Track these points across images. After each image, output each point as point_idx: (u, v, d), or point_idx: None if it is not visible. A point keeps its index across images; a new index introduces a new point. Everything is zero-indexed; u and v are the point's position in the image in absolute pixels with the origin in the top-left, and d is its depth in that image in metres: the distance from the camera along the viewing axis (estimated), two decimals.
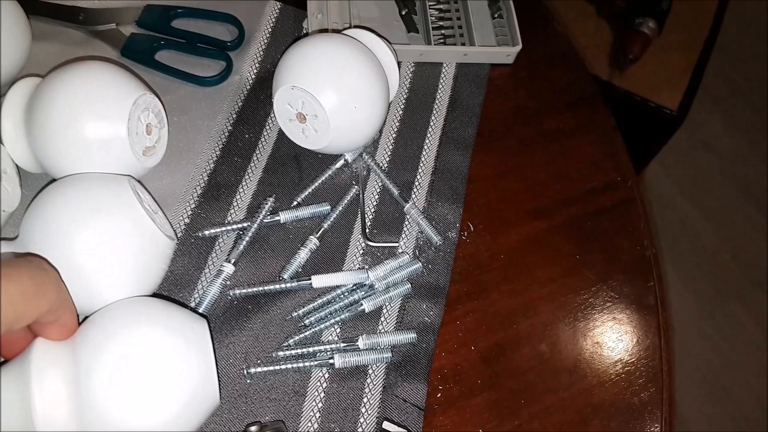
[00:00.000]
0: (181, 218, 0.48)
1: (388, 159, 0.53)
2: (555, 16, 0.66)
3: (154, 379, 0.34)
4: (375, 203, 0.51)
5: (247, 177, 0.51)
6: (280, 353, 0.44)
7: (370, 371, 0.44)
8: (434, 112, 0.56)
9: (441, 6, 0.61)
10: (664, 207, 1.55)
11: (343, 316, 0.45)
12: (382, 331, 0.46)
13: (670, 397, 0.48)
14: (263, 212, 0.48)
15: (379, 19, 0.60)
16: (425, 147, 0.55)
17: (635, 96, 1.17)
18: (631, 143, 0.59)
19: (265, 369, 0.43)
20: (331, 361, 0.43)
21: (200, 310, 0.44)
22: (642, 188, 0.57)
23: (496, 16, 0.60)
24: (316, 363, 0.43)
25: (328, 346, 0.44)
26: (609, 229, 0.54)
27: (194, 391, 0.36)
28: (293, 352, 0.44)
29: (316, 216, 0.50)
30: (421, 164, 0.54)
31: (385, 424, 0.42)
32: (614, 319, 0.50)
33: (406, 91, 0.57)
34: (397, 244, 0.49)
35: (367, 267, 0.48)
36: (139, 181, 0.46)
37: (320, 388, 0.43)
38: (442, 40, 0.59)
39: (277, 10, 0.59)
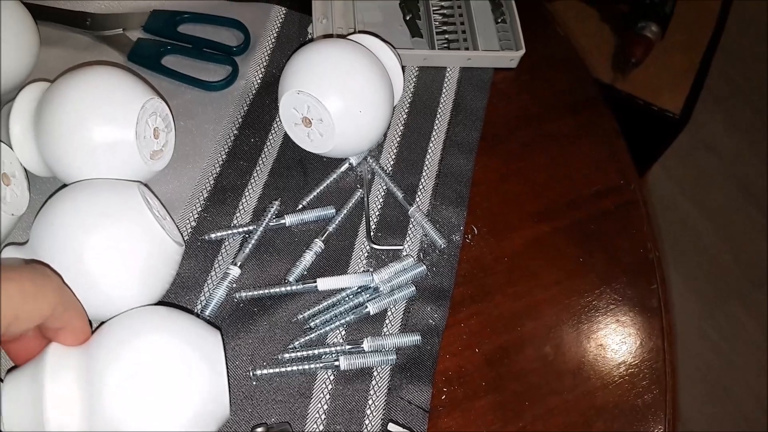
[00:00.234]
0: (187, 222, 0.48)
1: (392, 162, 0.54)
2: (557, 20, 0.66)
3: (166, 388, 0.34)
4: (379, 206, 0.52)
5: (252, 181, 0.51)
6: (286, 355, 0.44)
7: (375, 373, 0.44)
8: (438, 116, 0.57)
9: (445, 11, 0.61)
10: (665, 208, 1.55)
11: (348, 319, 0.46)
12: (387, 333, 0.46)
13: (674, 399, 0.48)
14: (269, 215, 0.48)
15: (383, 24, 0.60)
16: (429, 151, 0.55)
17: (638, 100, 1.17)
18: (634, 146, 0.60)
19: (271, 371, 0.43)
20: (336, 363, 0.44)
21: (206, 313, 0.45)
22: (644, 191, 0.57)
23: (499, 20, 0.61)
24: (321, 365, 0.44)
25: (333, 348, 0.44)
26: (612, 232, 0.54)
27: (205, 403, 0.35)
28: (299, 354, 0.44)
29: (321, 219, 0.50)
30: (425, 168, 0.54)
31: (390, 426, 0.43)
32: (618, 321, 0.50)
33: (410, 95, 0.58)
34: (401, 247, 0.50)
35: (371, 270, 0.48)
36: (147, 186, 0.46)
37: (325, 390, 0.44)
38: (445, 45, 0.59)
39: (282, 15, 0.59)
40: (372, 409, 0.43)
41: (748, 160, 1.64)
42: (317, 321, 0.45)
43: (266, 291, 0.46)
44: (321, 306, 0.46)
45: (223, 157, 0.52)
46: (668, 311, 0.52)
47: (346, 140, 0.48)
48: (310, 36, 0.59)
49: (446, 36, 0.60)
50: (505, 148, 0.57)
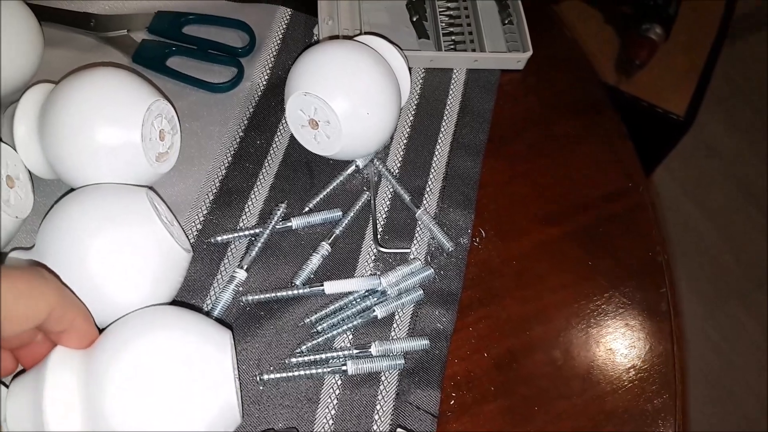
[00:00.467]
0: (193, 224, 0.48)
1: (399, 165, 0.53)
2: (565, 22, 0.66)
3: (168, 390, 0.33)
4: (386, 209, 0.51)
5: (258, 183, 0.51)
6: (293, 360, 0.44)
7: (383, 378, 0.44)
8: (445, 117, 0.56)
9: (451, 12, 0.61)
10: (667, 209, 1.55)
11: (355, 323, 0.45)
12: (395, 337, 0.46)
13: (684, 404, 0.48)
14: (275, 218, 0.48)
15: (390, 25, 0.60)
16: (436, 153, 0.54)
17: (642, 102, 1.17)
18: (638, 149, 0.59)
19: (278, 376, 0.43)
20: (344, 367, 0.43)
21: (213, 316, 0.44)
22: (651, 194, 0.57)
23: (506, 22, 0.60)
24: (329, 370, 0.43)
25: (340, 353, 0.44)
26: (620, 235, 0.54)
27: (212, 408, 0.34)
28: (306, 358, 0.44)
29: (327, 222, 0.49)
30: (432, 170, 0.54)
31: (399, 431, 0.42)
32: (627, 325, 0.50)
33: (417, 97, 0.57)
34: (408, 250, 0.49)
35: (379, 273, 0.48)
36: (155, 191, 0.46)
37: (333, 394, 0.43)
38: (452, 47, 0.59)
39: (288, 17, 0.59)
40: (380, 414, 0.43)
41: (748, 160, 1.64)
42: (324, 325, 0.45)
43: (273, 294, 0.46)
44: (328, 310, 0.46)
45: (229, 159, 0.51)
46: (677, 315, 0.51)
47: (353, 142, 0.48)
48: (315, 37, 0.59)
49: (453, 37, 0.59)
50: (512, 150, 0.57)
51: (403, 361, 0.44)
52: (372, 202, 0.51)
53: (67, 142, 0.42)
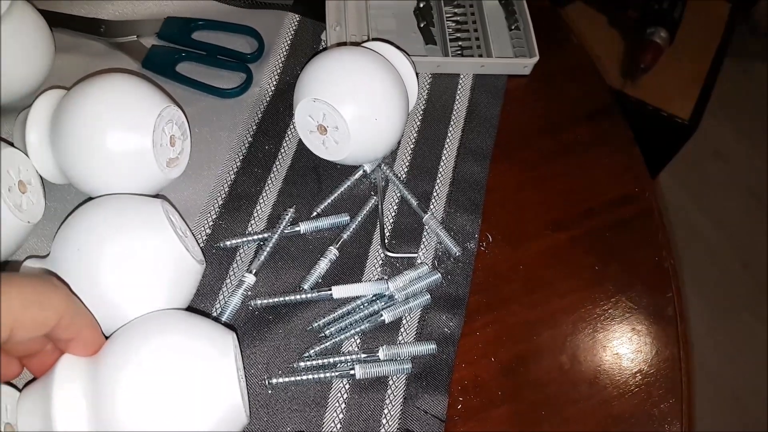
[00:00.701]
0: (202, 229, 0.48)
1: (406, 169, 0.54)
2: (571, 27, 0.66)
3: (174, 393, 0.34)
4: (394, 214, 0.51)
5: (267, 188, 0.51)
6: (301, 364, 0.44)
7: (391, 382, 0.44)
8: (452, 122, 0.57)
9: (458, 18, 0.61)
10: (673, 213, 1.55)
11: (363, 327, 0.45)
12: (402, 342, 0.46)
13: (690, 408, 0.48)
14: (284, 223, 0.48)
15: (397, 31, 0.60)
16: (443, 158, 0.55)
17: (647, 105, 1.17)
18: (644, 152, 0.59)
19: (287, 380, 0.43)
20: (351, 371, 0.44)
21: (222, 321, 0.45)
22: (657, 199, 0.57)
23: (513, 27, 0.61)
24: (337, 374, 0.44)
25: (348, 357, 0.44)
26: (627, 241, 0.54)
27: (219, 408, 0.35)
28: (314, 362, 0.44)
29: (335, 226, 0.50)
30: (440, 175, 0.54)
31: None
32: (633, 330, 0.50)
33: (424, 102, 0.57)
34: (416, 255, 0.50)
35: (386, 277, 0.48)
36: (168, 201, 0.46)
37: (341, 399, 0.43)
38: (459, 52, 0.59)
39: (296, 23, 0.59)
40: (388, 418, 0.43)
41: (754, 164, 1.64)
42: (332, 329, 0.45)
43: (281, 299, 0.46)
44: (336, 314, 0.46)
45: (238, 164, 0.52)
46: (683, 320, 0.52)
47: (361, 148, 0.48)
48: (323, 43, 0.59)
49: (460, 43, 0.60)
50: (519, 156, 0.57)
51: (410, 366, 0.44)
52: (379, 206, 0.51)
53: (79, 148, 0.42)
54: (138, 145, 0.43)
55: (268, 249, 0.47)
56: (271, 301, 0.46)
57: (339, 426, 0.42)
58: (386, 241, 0.50)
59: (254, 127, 0.54)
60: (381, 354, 0.45)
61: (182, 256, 0.40)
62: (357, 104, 0.46)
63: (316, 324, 0.45)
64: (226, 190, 0.50)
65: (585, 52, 0.65)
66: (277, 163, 0.52)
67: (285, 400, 0.43)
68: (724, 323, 1.42)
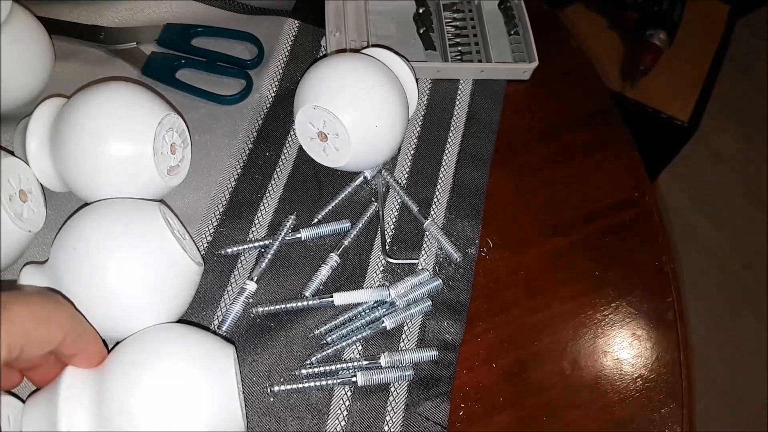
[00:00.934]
0: (203, 236, 0.48)
1: (406, 175, 0.54)
2: (570, 31, 0.66)
3: (183, 410, 0.34)
4: (394, 220, 0.51)
5: (268, 195, 0.51)
6: (303, 371, 0.44)
7: (393, 389, 0.44)
8: (452, 128, 0.57)
9: (458, 23, 0.61)
10: (674, 216, 1.55)
11: (364, 334, 0.46)
12: (404, 348, 0.46)
13: (691, 412, 0.48)
14: (284, 230, 0.48)
15: (397, 37, 0.60)
16: (443, 163, 0.55)
17: (647, 107, 1.17)
18: (643, 154, 0.59)
19: (289, 387, 0.43)
20: (353, 379, 0.44)
21: (224, 328, 0.45)
22: (657, 202, 0.57)
23: (512, 32, 0.61)
24: (338, 381, 0.44)
25: (350, 364, 0.44)
26: (627, 245, 0.54)
27: (218, 422, 0.36)
28: (316, 370, 0.44)
29: (336, 233, 0.50)
30: (440, 180, 0.54)
31: None
32: (634, 335, 0.50)
33: (424, 107, 0.58)
34: (417, 261, 0.50)
35: (387, 284, 0.48)
36: (167, 205, 0.46)
37: (343, 406, 0.43)
38: (459, 57, 0.59)
39: (296, 29, 0.59)
40: (389, 425, 0.43)
41: (754, 165, 1.64)
42: (334, 336, 0.45)
43: (283, 306, 0.46)
44: (338, 321, 0.46)
45: (239, 171, 0.52)
46: (684, 324, 0.52)
47: (361, 154, 0.48)
48: (323, 49, 0.59)
49: (459, 48, 0.60)
50: (519, 161, 0.57)
51: (412, 372, 0.44)
52: (380, 213, 0.51)
53: (80, 157, 0.42)
54: (139, 154, 0.43)
55: (269, 256, 0.47)
56: (272, 308, 0.46)
57: None
58: (387, 247, 0.50)
59: (254, 134, 0.54)
60: (382, 361, 0.45)
61: (180, 259, 0.41)
62: (357, 111, 0.46)
63: (317, 331, 0.45)
64: (227, 197, 0.50)
65: (584, 56, 0.65)
66: (278, 169, 0.52)
67: (287, 408, 0.43)
68: (725, 324, 1.42)
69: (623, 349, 0.49)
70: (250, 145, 0.53)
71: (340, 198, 0.51)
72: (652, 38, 1.18)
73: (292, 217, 0.49)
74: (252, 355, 0.44)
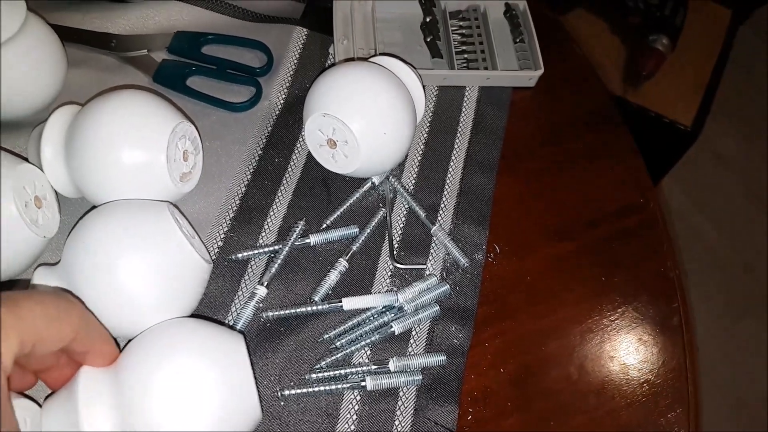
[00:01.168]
0: (214, 241, 0.49)
1: (413, 181, 0.54)
2: (575, 38, 0.67)
3: (202, 400, 0.35)
4: (402, 225, 0.52)
5: (277, 200, 0.52)
6: (313, 375, 0.44)
7: (401, 393, 0.45)
8: (458, 134, 0.57)
9: (464, 31, 0.62)
10: (676, 220, 1.55)
11: (373, 338, 0.46)
12: (412, 353, 0.47)
13: (697, 417, 0.49)
14: (294, 235, 0.49)
15: (403, 44, 0.61)
16: (450, 169, 0.55)
17: (649, 112, 1.17)
18: (646, 159, 0.60)
19: (299, 391, 0.44)
20: (363, 383, 0.44)
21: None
22: (662, 207, 0.58)
23: (518, 40, 0.61)
24: (348, 385, 0.44)
25: (359, 369, 0.45)
26: (633, 251, 0.54)
27: (231, 407, 0.36)
28: (325, 374, 0.45)
29: (345, 238, 0.50)
30: (447, 186, 0.54)
31: None
32: (640, 340, 0.51)
33: (431, 114, 0.58)
34: (424, 267, 0.50)
35: (395, 289, 0.49)
36: (176, 206, 0.47)
37: (352, 410, 0.44)
38: (465, 65, 0.60)
39: (304, 37, 0.60)
40: (399, 429, 0.44)
41: (757, 169, 1.64)
42: (343, 341, 0.46)
43: (292, 311, 0.47)
44: (346, 325, 0.47)
45: (248, 177, 0.52)
46: (689, 329, 0.52)
47: (370, 161, 0.49)
48: (331, 56, 0.60)
49: (465, 56, 0.60)
50: (525, 167, 0.57)
51: (420, 377, 0.45)
52: (388, 218, 0.52)
53: (94, 164, 0.43)
54: (152, 162, 0.43)
55: (279, 261, 0.48)
56: (282, 312, 0.46)
57: None
58: (395, 252, 0.51)
59: (264, 141, 0.54)
60: (391, 365, 0.45)
61: (190, 257, 0.41)
62: (366, 119, 0.47)
63: (326, 335, 0.46)
64: (237, 202, 0.51)
65: (588, 62, 0.65)
66: (287, 175, 0.53)
67: (297, 412, 0.44)
68: (726, 325, 1.43)
69: (629, 354, 0.50)
70: (260, 152, 0.54)
71: (348, 204, 0.52)
72: (655, 43, 1.19)
73: (302, 222, 0.50)
74: (262, 359, 0.45)
